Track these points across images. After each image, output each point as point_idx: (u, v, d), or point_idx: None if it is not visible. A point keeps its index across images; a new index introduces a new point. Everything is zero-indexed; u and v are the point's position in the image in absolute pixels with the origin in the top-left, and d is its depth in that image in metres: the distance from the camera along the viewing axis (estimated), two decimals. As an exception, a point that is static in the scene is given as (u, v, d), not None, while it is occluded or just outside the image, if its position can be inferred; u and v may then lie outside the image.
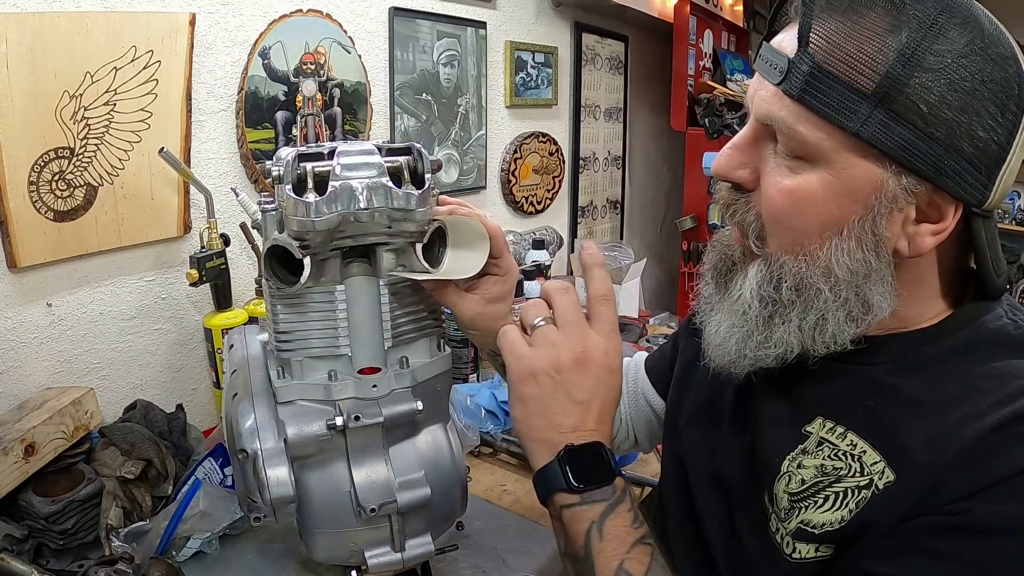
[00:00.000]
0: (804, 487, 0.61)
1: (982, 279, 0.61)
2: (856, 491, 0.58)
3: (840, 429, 0.61)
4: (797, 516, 0.60)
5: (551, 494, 0.61)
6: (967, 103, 0.50)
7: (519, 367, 0.61)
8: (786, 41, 0.56)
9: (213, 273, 1.29)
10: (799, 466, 0.62)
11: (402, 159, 0.64)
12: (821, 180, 0.55)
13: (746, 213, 0.61)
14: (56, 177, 1.12)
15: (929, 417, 0.56)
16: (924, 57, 0.50)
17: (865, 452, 0.58)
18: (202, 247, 1.30)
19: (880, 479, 0.56)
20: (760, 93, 0.57)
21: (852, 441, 0.60)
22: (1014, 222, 4.22)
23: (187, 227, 1.33)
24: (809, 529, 0.59)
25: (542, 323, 0.62)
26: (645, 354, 1.01)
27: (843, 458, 0.60)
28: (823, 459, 0.61)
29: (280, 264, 0.64)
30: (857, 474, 0.58)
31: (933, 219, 0.55)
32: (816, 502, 0.60)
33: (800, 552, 0.60)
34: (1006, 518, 0.50)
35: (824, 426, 0.62)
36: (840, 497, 0.58)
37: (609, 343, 0.63)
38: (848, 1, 0.52)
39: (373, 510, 0.65)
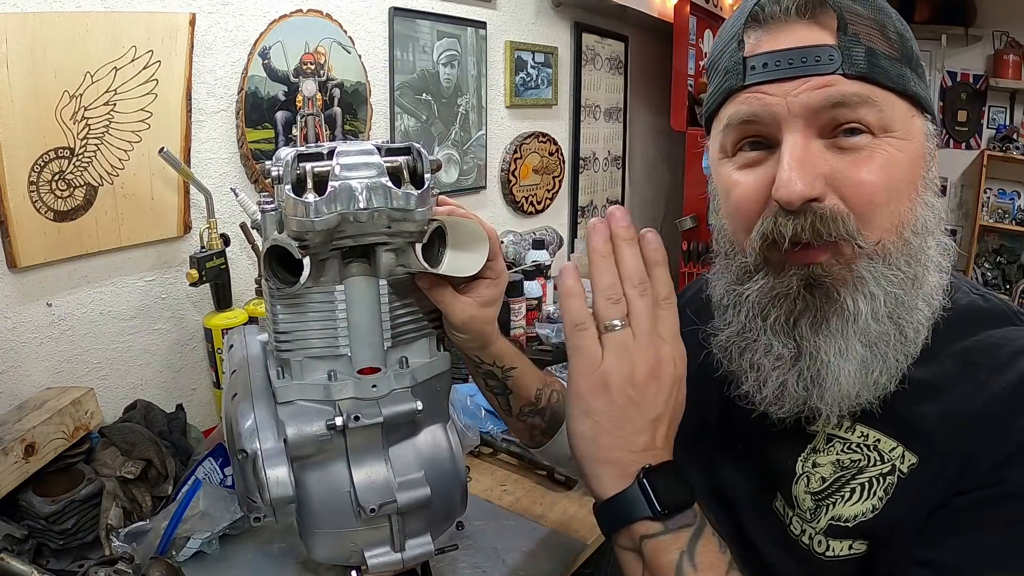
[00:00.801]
0: (826, 484, 0.61)
1: None
2: (881, 479, 0.58)
3: (846, 423, 0.61)
4: (826, 514, 0.60)
5: (628, 524, 0.54)
6: (921, 56, 0.61)
7: (591, 378, 0.54)
8: (799, 37, 0.56)
9: (213, 273, 1.30)
10: (814, 465, 0.62)
11: (401, 159, 0.64)
12: (896, 145, 0.57)
13: (840, 220, 0.56)
14: (56, 177, 1.12)
15: (933, 396, 0.57)
16: (903, 25, 0.60)
17: (880, 440, 0.59)
18: (202, 247, 1.30)
19: (902, 463, 0.57)
20: (802, 93, 0.56)
21: (863, 432, 0.60)
22: (1014, 222, 4.22)
23: (187, 227, 1.33)
24: (842, 524, 0.59)
25: (619, 326, 0.55)
26: None
27: (858, 450, 0.60)
28: (837, 454, 0.61)
29: (280, 264, 0.64)
30: (878, 463, 0.59)
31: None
32: (843, 496, 0.60)
33: (834, 549, 0.60)
34: None
35: (829, 422, 0.62)
36: (866, 488, 0.59)
37: (675, 351, 0.56)
38: None
39: (373, 510, 0.65)
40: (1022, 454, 0.53)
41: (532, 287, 1.92)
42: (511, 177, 2.18)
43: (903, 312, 0.58)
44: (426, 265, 0.65)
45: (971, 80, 4.25)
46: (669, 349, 0.55)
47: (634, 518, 0.54)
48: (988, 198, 4.27)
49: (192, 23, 1.26)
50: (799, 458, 0.63)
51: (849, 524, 0.59)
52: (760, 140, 0.60)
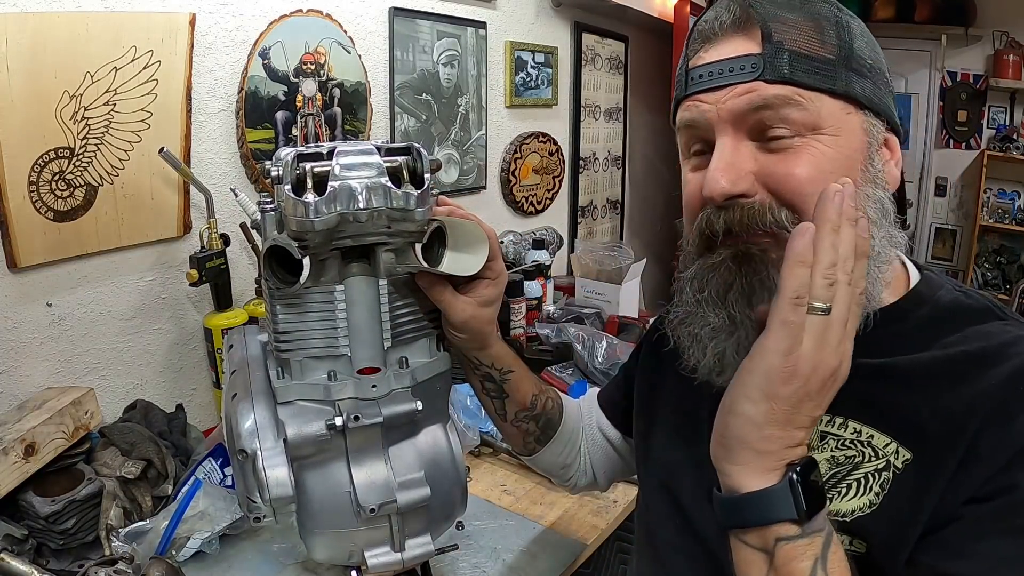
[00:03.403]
0: (823, 481, 0.61)
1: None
2: (876, 475, 0.59)
3: (839, 420, 0.62)
4: None
5: (766, 524, 0.52)
6: (878, 58, 0.63)
7: (787, 360, 0.51)
8: (730, 49, 0.62)
9: (213, 273, 1.30)
10: None
11: (401, 159, 0.64)
12: (825, 141, 0.59)
13: (770, 212, 0.59)
14: (56, 177, 1.12)
15: (924, 391, 0.58)
16: (850, 25, 0.62)
17: (873, 436, 0.60)
18: (202, 247, 1.30)
19: (896, 459, 0.58)
20: (728, 99, 0.60)
21: (855, 428, 0.61)
22: (1014, 222, 4.22)
23: (187, 227, 1.33)
24: (840, 519, 0.60)
25: (823, 310, 0.51)
26: (597, 389, 1.00)
27: (852, 446, 0.61)
28: (832, 451, 0.62)
29: (279, 264, 0.64)
30: (872, 458, 0.60)
31: (890, 154, 0.64)
32: (840, 492, 0.60)
33: None
34: None
35: (821, 420, 0.63)
36: (863, 483, 0.59)
37: (847, 354, 0.54)
38: (784, 3, 0.62)
39: (373, 510, 0.65)
40: None
41: (532, 287, 1.92)
42: (511, 177, 2.18)
43: None
44: (426, 266, 0.65)
45: (971, 80, 4.24)
46: (850, 347, 0.54)
47: (775, 518, 0.51)
48: (988, 198, 4.27)
49: (192, 23, 1.26)
50: None
51: (847, 519, 0.59)
52: (704, 143, 0.64)
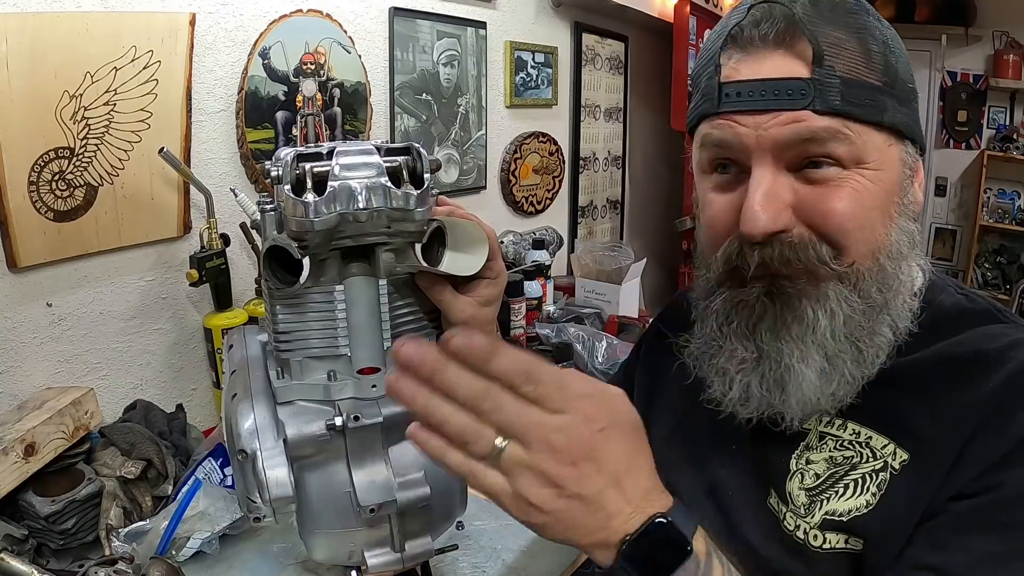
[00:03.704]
0: (820, 481, 0.62)
1: None
2: (874, 475, 0.59)
3: (838, 420, 0.63)
4: (820, 509, 0.61)
5: None
6: (912, 76, 0.60)
7: (518, 510, 0.48)
8: (774, 68, 0.56)
9: (213, 273, 1.30)
10: (807, 462, 0.63)
11: (401, 159, 0.64)
12: (868, 176, 0.57)
13: (811, 247, 0.57)
14: (56, 177, 1.12)
15: (923, 393, 0.59)
16: (891, 44, 0.58)
17: (871, 437, 0.60)
18: (202, 247, 1.30)
19: (894, 460, 0.58)
20: (772, 127, 0.56)
21: (854, 430, 0.62)
22: (1014, 222, 4.22)
23: (187, 227, 1.33)
24: (836, 518, 0.60)
25: (502, 444, 0.46)
26: None
27: (851, 447, 0.61)
28: (830, 452, 0.62)
29: (279, 264, 0.64)
30: (870, 459, 0.60)
31: (916, 177, 0.63)
32: (837, 491, 0.61)
33: (831, 542, 0.60)
34: None
35: (821, 420, 0.64)
36: (860, 483, 0.60)
37: (599, 402, 0.48)
38: (829, 15, 0.56)
39: (373, 510, 0.65)
40: (1019, 454, 0.53)
41: (532, 287, 1.92)
42: (511, 177, 2.18)
43: (863, 335, 0.59)
44: (425, 264, 0.65)
45: (971, 80, 4.25)
46: (589, 405, 0.47)
47: None
48: (988, 198, 4.27)
49: (192, 23, 1.26)
50: (792, 455, 0.64)
51: (844, 519, 0.60)
52: (733, 164, 0.61)
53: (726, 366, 0.62)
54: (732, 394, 0.62)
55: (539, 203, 2.35)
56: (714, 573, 0.50)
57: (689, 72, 2.61)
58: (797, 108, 0.55)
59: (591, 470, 0.46)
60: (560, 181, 2.43)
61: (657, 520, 0.48)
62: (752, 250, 0.58)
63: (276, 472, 0.64)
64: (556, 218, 2.47)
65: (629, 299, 2.13)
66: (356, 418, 0.64)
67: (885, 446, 0.59)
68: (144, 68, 1.20)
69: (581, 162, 2.54)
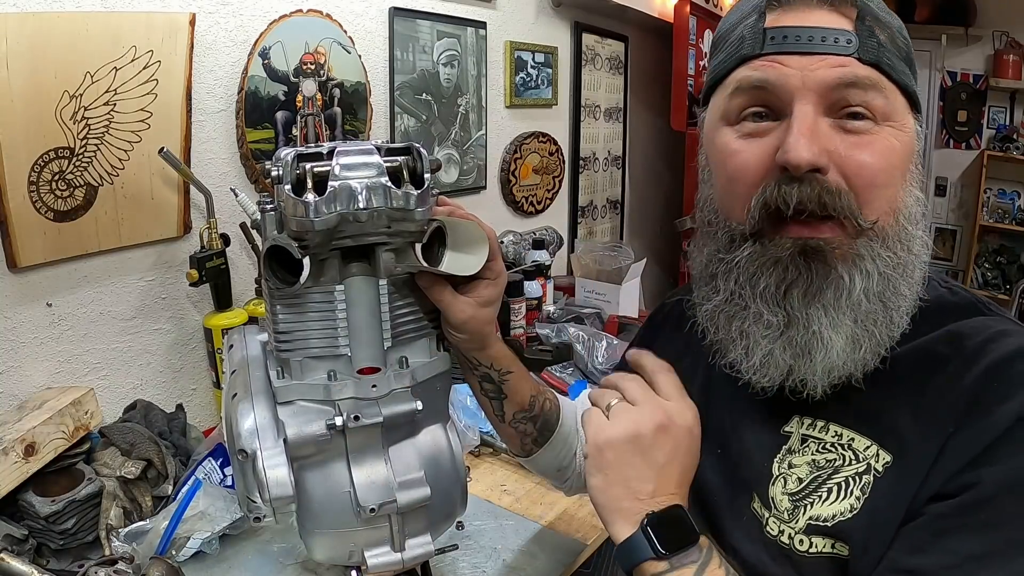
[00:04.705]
0: (803, 485, 0.62)
1: None
2: (857, 478, 0.59)
3: (820, 423, 0.62)
4: (804, 514, 0.61)
5: (637, 564, 0.60)
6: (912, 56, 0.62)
7: (598, 437, 0.64)
8: (820, 19, 0.58)
9: (213, 273, 1.30)
10: (790, 466, 0.63)
11: (401, 159, 0.64)
12: (895, 135, 0.59)
13: (842, 195, 0.57)
14: (56, 177, 1.12)
15: (903, 388, 0.58)
16: (906, 29, 0.62)
17: (853, 440, 0.60)
18: (202, 247, 1.30)
19: (877, 462, 0.58)
20: (820, 68, 0.57)
21: (836, 432, 0.61)
22: (1014, 222, 4.22)
23: (187, 227, 1.33)
24: (821, 523, 0.59)
25: (615, 402, 0.66)
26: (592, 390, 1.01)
27: (833, 450, 0.61)
28: (812, 455, 0.62)
29: (279, 264, 0.64)
30: (853, 462, 0.59)
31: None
32: (820, 496, 0.60)
33: (816, 546, 0.60)
34: (1015, 471, 0.52)
35: (803, 423, 0.64)
36: (843, 487, 0.59)
37: (684, 405, 0.65)
38: None
39: (373, 510, 0.65)
40: (996, 451, 0.52)
41: (532, 287, 1.92)
42: (511, 177, 2.18)
43: (891, 295, 0.59)
44: (425, 265, 0.65)
45: (971, 80, 4.25)
46: (675, 404, 0.65)
47: (641, 559, 0.59)
48: (988, 198, 4.27)
49: (192, 23, 1.26)
50: (775, 459, 0.64)
51: (828, 524, 0.59)
52: (764, 111, 0.60)
53: (750, 330, 0.61)
54: (752, 361, 0.61)
55: (539, 203, 2.35)
56: (712, 565, 0.59)
57: (689, 72, 2.61)
58: (844, 54, 0.57)
59: (666, 444, 0.63)
60: (560, 181, 2.43)
61: (677, 506, 0.61)
62: (791, 187, 0.56)
63: (276, 472, 0.64)
64: (556, 218, 2.47)
65: (629, 299, 2.13)
66: (356, 418, 0.64)
67: (868, 448, 0.59)
68: (144, 68, 1.20)
69: (581, 162, 2.54)
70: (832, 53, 0.56)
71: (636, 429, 0.62)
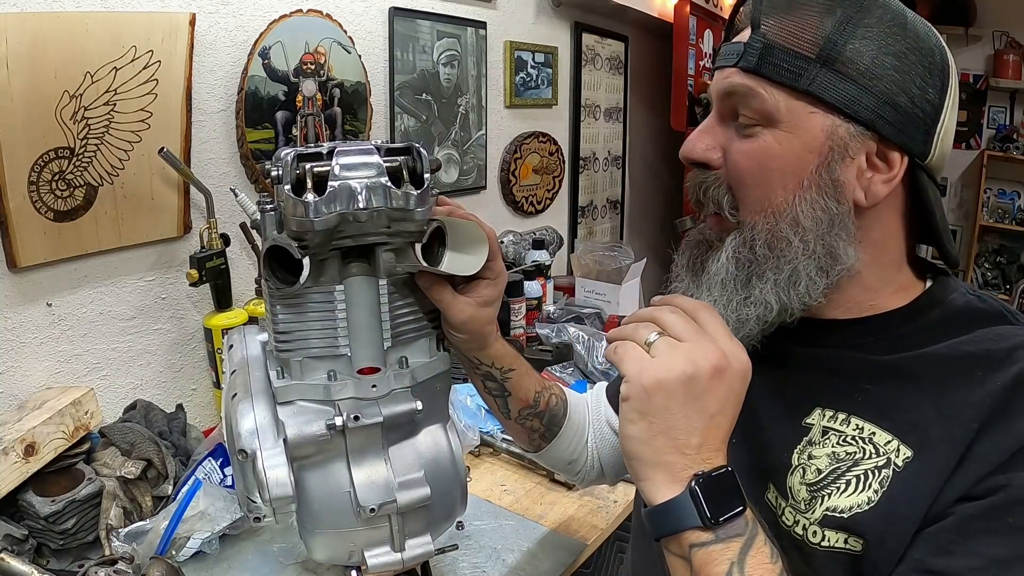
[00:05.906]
0: (822, 476, 0.62)
1: (938, 242, 0.66)
2: (876, 472, 0.59)
3: (842, 416, 0.63)
4: (821, 504, 0.61)
5: (678, 532, 0.53)
6: (898, 65, 0.58)
7: (644, 376, 0.54)
8: (741, 34, 0.65)
9: (213, 273, 1.30)
10: (810, 457, 0.63)
11: (401, 159, 0.64)
12: (776, 137, 0.61)
13: (718, 189, 0.65)
14: (56, 177, 1.12)
15: (928, 388, 0.59)
16: (856, 28, 0.59)
17: (875, 433, 0.60)
18: (202, 247, 1.30)
19: (897, 457, 0.58)
20: (718, 80, 0.65)
21: (858, 425, 0.61)
22: (1014, 222, 4.22)
23: (187, 227, 1.33)
24: (837, 515, 0.60)
25: (656, 338, 0.56)
26: (605, 383, 1.00)
27: (854, 443, 0.61)
28: (833, 447, 0.62)
29: (279, 264, 0.64)
30: (873, 455, 0.60)
31: (884, 170, 0.61)
32: (839, 487, 0.60)
33: (829, 540, 0.60)
34: None
35: (824, 415, 0.64)
36: (862, 479, 0.59)
37: (733, 347, 0.56)
38: None
39: (373, 510, 0.65)
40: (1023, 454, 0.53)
41: (532, 287, 1.92)
42: (511, 177, 2.18)
43: (746, 287, 0.63)
44: (425, 264, 0.65)
45: (971, 80, 4.25)
46: (730, 345, 0.56)
47: (683, 526, 0.53)
48: (988, 198, 4.28)
49: (192, 23, 1.26)
50: (795, 450, 0.64)
51: (844, 515, 0.59)
52: None
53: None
54: None
55: (539, 203, 2.35)
56: (758, 541, 0.53)
57: (689, 72, 2.61)
58: (730, 65, 0.63)
59: (719, 390, 0.55)
60: (560, 181, 2.43)
61: (726, 467, 0.54)
62: (693, 181, 0.67)
63: (276, 472, 0.64)
64: (556, 218, 2.47)
65: (629, 299, 2.13)
66: (356, 418, 0.64)
67: (888, 442, 0.59)
68: (144, 68, 1.20)
69: (581, 162, 2.54)
70: (726, 66, 0.64)
71: (693, 370, 0.53)
